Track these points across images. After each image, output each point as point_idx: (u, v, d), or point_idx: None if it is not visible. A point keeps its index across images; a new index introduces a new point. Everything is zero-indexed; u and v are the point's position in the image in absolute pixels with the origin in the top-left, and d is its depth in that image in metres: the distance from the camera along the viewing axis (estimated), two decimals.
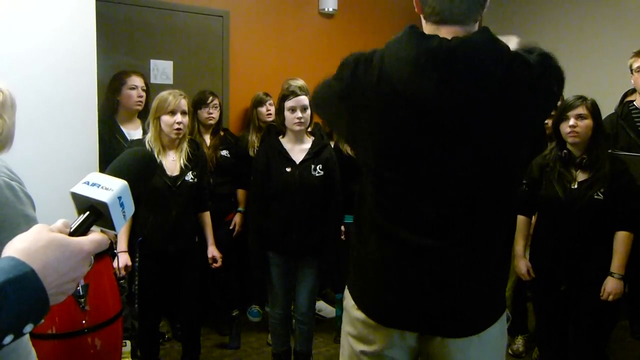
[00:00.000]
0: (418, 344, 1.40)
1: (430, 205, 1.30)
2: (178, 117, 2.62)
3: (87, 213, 0.76)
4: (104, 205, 0.75)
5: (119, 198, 0.77)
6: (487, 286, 1.35)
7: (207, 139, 3.47)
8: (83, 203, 0.76)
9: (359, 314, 1.42)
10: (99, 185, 0.76)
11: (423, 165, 1.29)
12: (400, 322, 1.38)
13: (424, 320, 1.35)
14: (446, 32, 1.25)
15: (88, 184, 0.76)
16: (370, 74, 1.29)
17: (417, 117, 1.25)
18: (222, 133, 3.60)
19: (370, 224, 1.40)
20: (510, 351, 3.37)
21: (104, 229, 0.78)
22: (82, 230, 0.74)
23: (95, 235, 0.74)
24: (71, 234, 0.72)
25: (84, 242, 0.71)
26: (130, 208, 0.80)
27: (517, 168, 1.36)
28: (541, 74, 1.24)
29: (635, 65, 2.89)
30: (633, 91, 3.57)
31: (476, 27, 1.29)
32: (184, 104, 2.66)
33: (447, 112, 1.23)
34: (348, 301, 1.47)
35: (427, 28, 1.30)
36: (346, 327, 1.49)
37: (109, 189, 0.76)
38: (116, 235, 2.83)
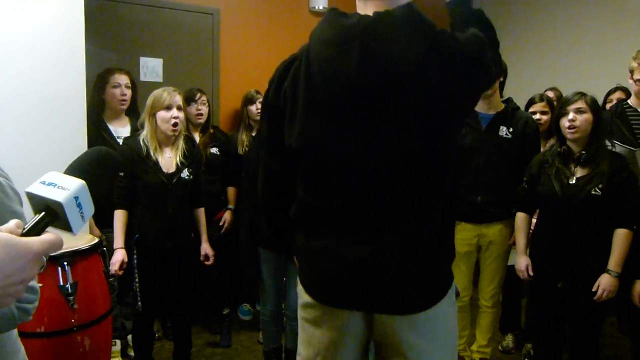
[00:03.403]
0: (366, 327, 1.39)
1: (360, 185, 1.30)
2: (174, 112, 2.64)
3: (43, 214, 0.73)
4: (59, 205, 0.72)
5: (76, 198, 0.74)
6: (426, 263, 1.34)
7: (197, 136, 3.46)
8: (39, 203, 0.73)
9: (307, 298, 1.43)
10: (56, 184, 0.74)
11: (351, 143, 1.28)
12: (343, 302, 1.37)
13: (367, 299, 1.34)
14: (372, 7, 1.28)
15: (44, 183, 0.74)
16: (296, 68, 1.34)
17: (342, 95, 1.26)
18: (212, 131, 3.58)
19: (304, 212, 1.41)
20: (500, 348, 3.40)
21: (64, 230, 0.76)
22: (35, 231, 0.71)
23: (48, 236, 0.70)
24: (24, 235, 0.69)
25: (33, 242, 0.68)
26: (90, 209, 0.77)
27: (447, 146, 1.32)
28: (470, 53, 1.23)
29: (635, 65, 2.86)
30: (616, 89, 3.60)
31: (404, 0, 1.29)
32: (179, 99, 2.67)
33: (369, 88, 1.22)
34: (300, 286, 1.48)
35: (358, 4, 1.33)
36: (300, 312, 1.49)
37: (65, 188, 0.74)
38: (104, 234, 2.82)
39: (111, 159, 0.94)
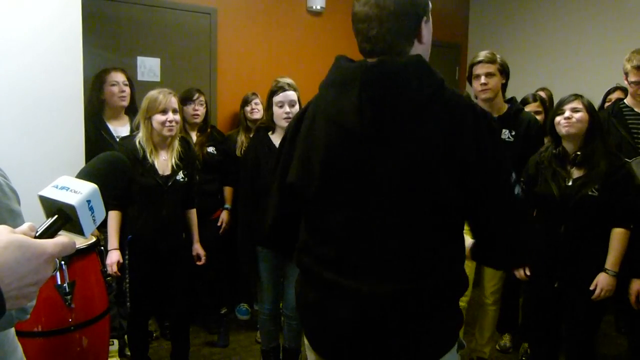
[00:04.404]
0: None
1: (352, 233, 1.26)
2: (170, 116, 2.63)
3: (55, 217, 0.74)
4: (72, 208, 0.73)
5: (88, 202, 0.75)
6: (420, 324, 1.27)
7: (194, 135, 3.47)
8: (51, 206, 0.74)
9: (307, 342, 1.44)
10: (68, 188, 0.75)
11: (346, 184, 1.26)
12: (334, 356, 1.36)
13: (356, 355, 1.30)
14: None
15: (57, 187, 0.75)
16: (308, 111, 1.37)
17: (344, 136, 1.26)
18: (209, 130, 3.58)
19: (301, 262, 1.40)
20: (497, 347, 3.40)
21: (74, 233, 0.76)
22: (48, 234, 0.72)
23: (61, 238, 0.72)
24: (37, 238, 0.70)
25: (47, 244, 0.69)
26: (101, 212, 0.78)
27: (448, 198, 1.21)
28: (473, 117, 1.21)
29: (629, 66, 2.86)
30: (615, 89, 3.61)
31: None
32: (174, 102, 2.66)
33: (365, 126, 1.21)
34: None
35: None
36: (306, 352, 1.50)
37: (78, 192, 0.75)
38: (102, 233, 2.82)
39: (122, 164, 0.94)
